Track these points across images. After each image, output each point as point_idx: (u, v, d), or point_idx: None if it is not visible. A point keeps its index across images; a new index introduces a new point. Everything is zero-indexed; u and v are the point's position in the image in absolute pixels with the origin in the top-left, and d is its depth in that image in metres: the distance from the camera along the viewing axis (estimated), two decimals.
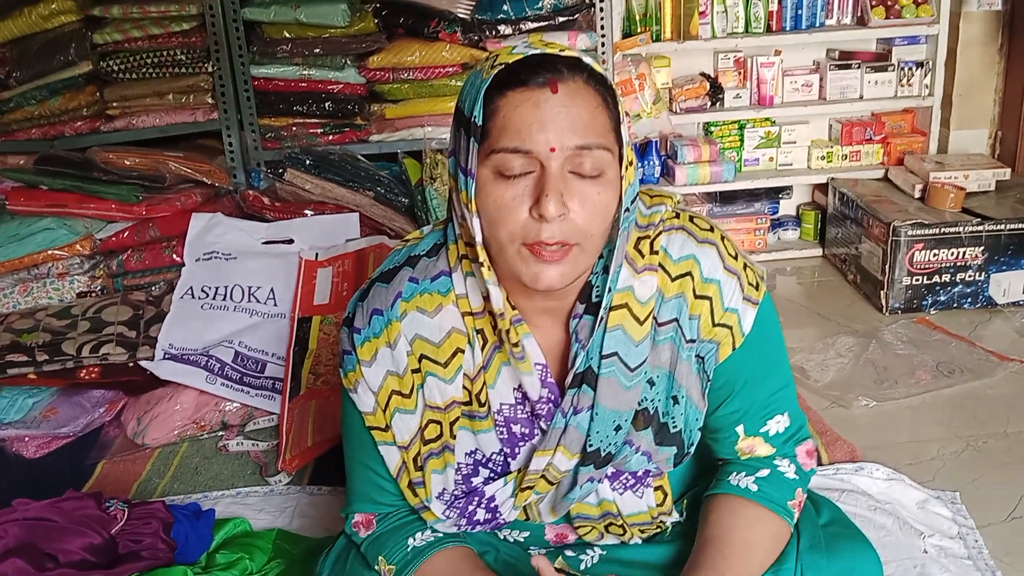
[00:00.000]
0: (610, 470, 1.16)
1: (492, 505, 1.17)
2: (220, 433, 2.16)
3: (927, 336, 2.57)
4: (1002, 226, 2.67)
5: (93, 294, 2.55)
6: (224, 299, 2.35)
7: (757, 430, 1.18)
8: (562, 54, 1.01)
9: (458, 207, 1.09)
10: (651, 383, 1.12)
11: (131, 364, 2.22)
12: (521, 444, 1.15)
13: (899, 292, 2.74)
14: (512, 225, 1.01)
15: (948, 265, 2.70)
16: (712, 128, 3.25)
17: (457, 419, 1.15)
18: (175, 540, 1.56)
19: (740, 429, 1.17)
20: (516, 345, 1.10)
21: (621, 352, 1.09)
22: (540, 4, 2.85)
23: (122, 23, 2.76)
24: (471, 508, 1.17)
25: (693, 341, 1.11)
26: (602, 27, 2.92)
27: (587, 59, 1.03)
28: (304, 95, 2.87)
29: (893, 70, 3.18)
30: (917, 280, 2.72)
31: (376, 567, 1.19)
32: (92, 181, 2.57)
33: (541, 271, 1.01)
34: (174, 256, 2.51)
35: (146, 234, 2.55)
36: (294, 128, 2.92)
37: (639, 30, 3.08)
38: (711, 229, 1.14)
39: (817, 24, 3.16)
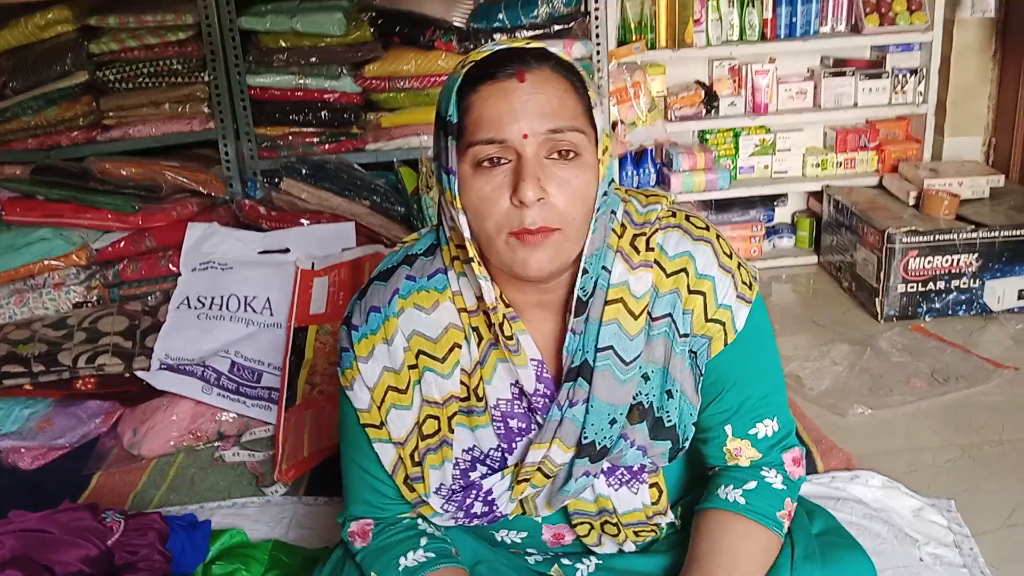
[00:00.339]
0: (606, 465, 1.16)
1: (490, 499, 1.17)
2: (216, 443, 2.16)
3: (922, 343, 2.58)
4: (996, 233, 2.68)
5: (89, 304, 2.55)
6: (220, 309, 2.35)
7: (745, 432, 1.18)
8: (528, 46, 1.06)
9: (446, 208, 1.11)
10: (646, 378, 1.13)
11: (127, 374, 2.22)
12: (518, 439, 1.16)
13: (894, 299, 2.74)
14: (496, 215, 1.04)
15: (943, 272, 2.71)
16: (707, 136, 3.26)
17: (455, 414, 1.16)
18: (171, 551, 1.57)
19: (728, 429, 1.18)
20: (511, 339, 1.12)
21: (616, 346, 1.10)
22: (535, 12, 2.86)
23: (118, 33, 2.76)
24: (468, 501, 1.17)
25: (687, 336, 1.13)
26: (597, 35, 2.93)
27: (553, 49, 1.07)
28: (300, 104, 2.87)
29: (887, 77, 3.19)
30: (912, 287, 2.73)
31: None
32: (88, 191, 2.58)
33: (529, 256, 1.03)
34: (170, 266, 2.51)
35: (142, 244, 2.55)
36: (290, 137, 2.92)
37: (634, 38, 3.09)
38: (706, 228, 1.16)
39: (811, 32, 3.17)
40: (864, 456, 1.98)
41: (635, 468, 1.19)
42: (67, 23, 2.75)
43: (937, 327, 2.68)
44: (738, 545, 1.13)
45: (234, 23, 2.80)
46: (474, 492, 1.17)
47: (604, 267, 1.11)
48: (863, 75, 3.19)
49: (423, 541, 1.19)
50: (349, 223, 2.56)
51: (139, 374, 2.20)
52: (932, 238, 2.68)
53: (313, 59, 2.80)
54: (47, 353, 2.22)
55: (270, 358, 2.26)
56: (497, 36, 2.82)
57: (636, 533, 1.24)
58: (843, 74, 3.19)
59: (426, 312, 1.15)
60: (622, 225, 1.14)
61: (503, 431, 1.16)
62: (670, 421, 1.14)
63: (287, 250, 2.50)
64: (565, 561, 1.28)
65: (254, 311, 2.36)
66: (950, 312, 2.75)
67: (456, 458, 1.18)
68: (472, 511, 1.18)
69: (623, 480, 1.19)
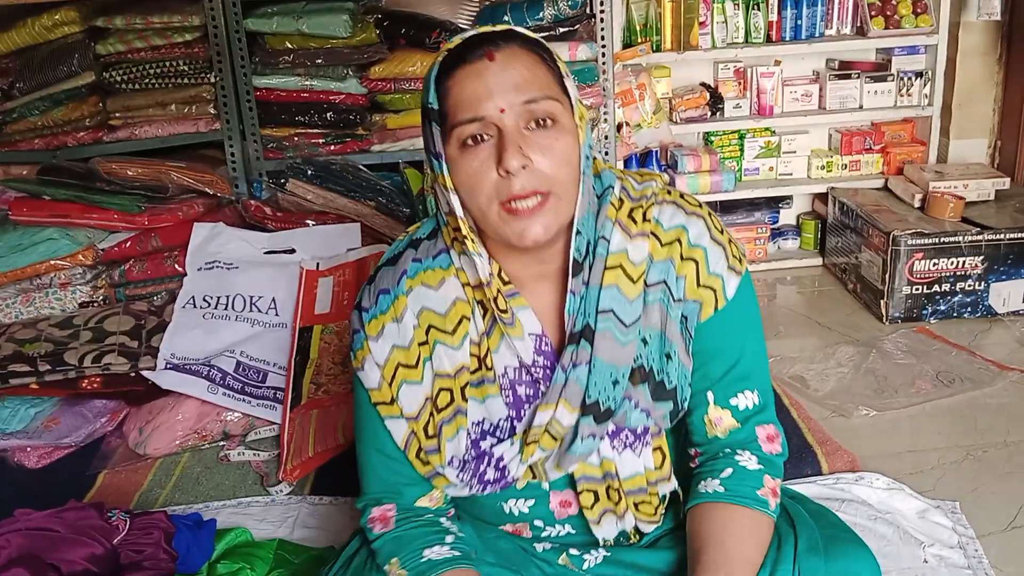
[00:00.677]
0: (611, 427, 1.20)
1: (501, 465, 1.21)
2: (221, 443, 2.17)
3: (927, 345, 2.58)
4: (1002, 235, 2.68)
5: (95, 304, 2.55)
6: (226, 309, 2.36)
7: (727, 401, 1.21)
8: (496, 29, 1.12)
9: (440, 193, 1.16)
10: (644, 342, 1.18)
11: (133, 374, 2.22)
12: (526, 406, 1.20)
13: (899, 301, 2.74)
14: (486, 188, 1.09)
15: (948, 274, 2.71)
16: (712, 138, 3.26)
17: (467, 385, 1.20)
18: (176, 550, 1.57)
19: (710, 397, 1.21)
20: (505, 311, 1.17)
21: (616, 309, 1.15)
22: (541, 15, 2.86)
23: (125, 34, 2.77)
24: (482, 468, 1.21)
25: (680, 300, 1.18)
26: (602, 37, 2.93)
27: (519, 28, 1.14)
28: (306, 105, 2.88)
29: (893, 80, 3.19)
30: (917, 289, 2.73)
31: (387, 567, 1.20)
32: (95, 191, 2.58)
33: (525, 227, 1.09)
34: (176, 266, 2.51)
35: (148, 244, 2.56)
36: (296, 138, 2.93)
37: (639, 41, 3.09)
38: (699, 205, 1.22)
39: (817, 34, 3.18)
40: (869, 458, 1.98)
41: (639, 431, 1.22)
42: (74, 24, 2.76)
43: (942, 329, 2.68)
44: (724, 533, 1.15)
45: (240, 25, 2.81)
46: (486, 459, 1.21)
47: (603, 236, 1.17)
48: (868, 78, 3.19)
49: (448, 539, 1.21)
50: (354, 224, 2.56)
51: (145, 374, 2.21)
52: (937, 240, 2.68)
53: (319, 60, 2.81)
54: (53, 352, 2.22)
55: (275, 358, 2.27)
56: None
57: (636, 506, 1.25)
58: (848, 76, 3.20)
59: (433, 289, 1.20)
60: (620, 199, 1.20)
61: (511, 399, 1.20)
62: (671, 383, 1.19)
63: (292, 250, 2.50)
64: (573, 551, 1.29)
65: (259, 311, 2.36)
66: (955, 314, 2.75)
67: (468, 431, 1.21)
68: (485, 477, 1.21)
69: (627, 443, 1.22)
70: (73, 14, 2.75)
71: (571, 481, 1.25)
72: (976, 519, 1.76)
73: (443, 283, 1.19)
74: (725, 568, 1.12)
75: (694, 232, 1.18)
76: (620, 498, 1.24)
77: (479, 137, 1.09)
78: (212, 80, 2.85)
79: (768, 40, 3.17)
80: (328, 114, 2.87)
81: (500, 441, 1.21)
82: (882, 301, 2.77)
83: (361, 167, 2.78)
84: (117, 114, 2.86)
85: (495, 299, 1.16)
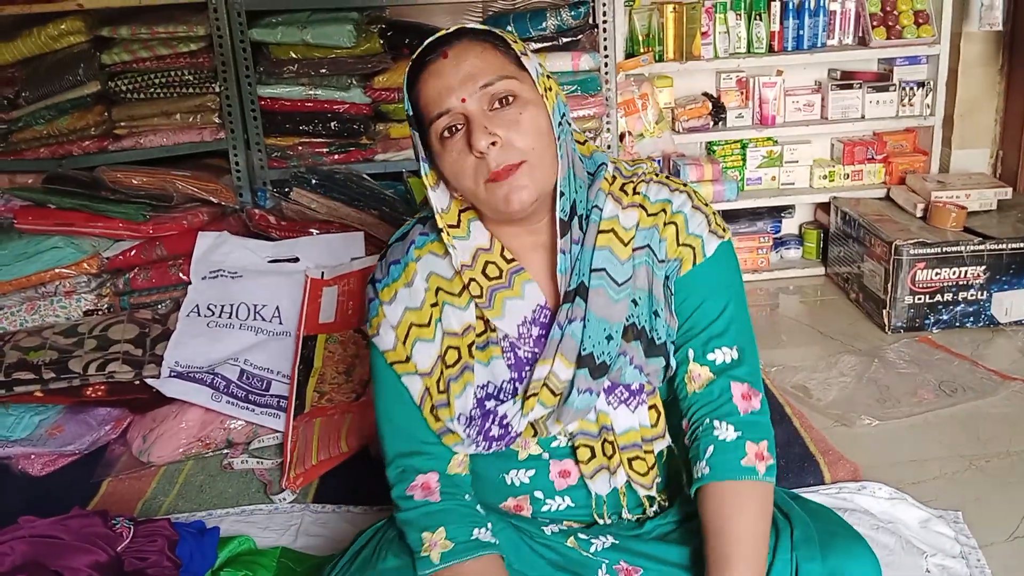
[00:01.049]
0: (607, 383, 1.26)
1: (504, 422, 1.27)
2: (225, 451, 2.17)
3: (929, 355, 2.58)
4: (1004, 245, 2.69)
5: (100, 312, 2.56)
6: (230, 317, 2.37)
7: (704, 356, 1.26)
8: (449, 30, 1.23)
9: (427, 193, 1.27)
10: (635, 303, 1.26)
11: (137, 382, 2.23)
12: (527, 368, 1.27)
13: (901, 311, 2.74)
14: (468, 171, 1.20)
15: (950, 284, 2.71)
16: (714, 147, 3.27)
17: (473, 344, 1.28)
18: (180, 558, 1.57)
19: (691, 353, 1.26)
20: (500, 277, 1.27)
21: (608, 268, 1.24)
22: (544, 25, 2.88)
23: (130, 43, 2.79)
24: (487, 426, 1.28)
25: (664, 261, 1.26)
26: (605, 48, 2.95)
27: (469, 24, 1.24)
28: (310, 115, 2.90)
29: (894, 90, 3.20)
30: (919, 299, 2.73)
31: (429, 534, 1.23)
32: (100, 200, 2.59)
33: (509, 191, 1.18)
34: (180, 274, 2.52)
35: (153, 252, 2.57)
36: (300, 147, 2.94)
37: (642, 51, 3.10)
38: (684, 185, 1.32)
39: (819, 44, 3.19)
40: (871, 467, 1.98)
41: (634, 387, 1.28)
42: (80, 34, 2.78)
43: (944, 339, 2.68)
44: (721, 519, 1.18)
45: (245, 35, 2.83)
46: (491, 418, 1.28)
47: (596, 205, 1.26)
48: (870, 87, 3.20)
49: (490, 525, 1.27)
50: (358, 233, 2.57)
51: (149, 381, 2.21)
52: (939, 250, 2.69)
53: (323, 70, 2.82)
54: (58, 360, 2.23)
55: (279, 366, 2.27)
56: None
57: (631, 462, 1.29)
58: (850, 86, 3.20)
59: (440, 257, 1.30)
60: (612, 176, 1.30)
61: (514, 361, 1.28)
62: (660, 339, 1.26)
63: (297, 259, 2.51)
64: (582, 536, 1.32)
65: (264, 320, 2.37)
66: (957, 324, 2.75)
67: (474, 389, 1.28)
68: (490, 434, 1.28)
69: (622, 398, 1.28)
70: (79, 24, 2.77)
71: (571, 452, 1.30)
72: (978, 529, 1.76)
73: (448, 254, 1.28)
74: (731, 560, 1.15)
75: (677, 203, 1.28)
76: (614, 452, 1.29)
77: (453, 128, 1.20)
78: (217, 89, 2.87)
79: (770, 50, 3.18)
80: (332, 123, 2.89)
81: (503, 402, 1.28)
82: (884, 311, 2.77)
83: (365, 176, 2.80)
84: (122, 123, 2.88)
85: (484, 269, 1.27)
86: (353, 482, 1.98)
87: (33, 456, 2.16)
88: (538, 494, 1.33)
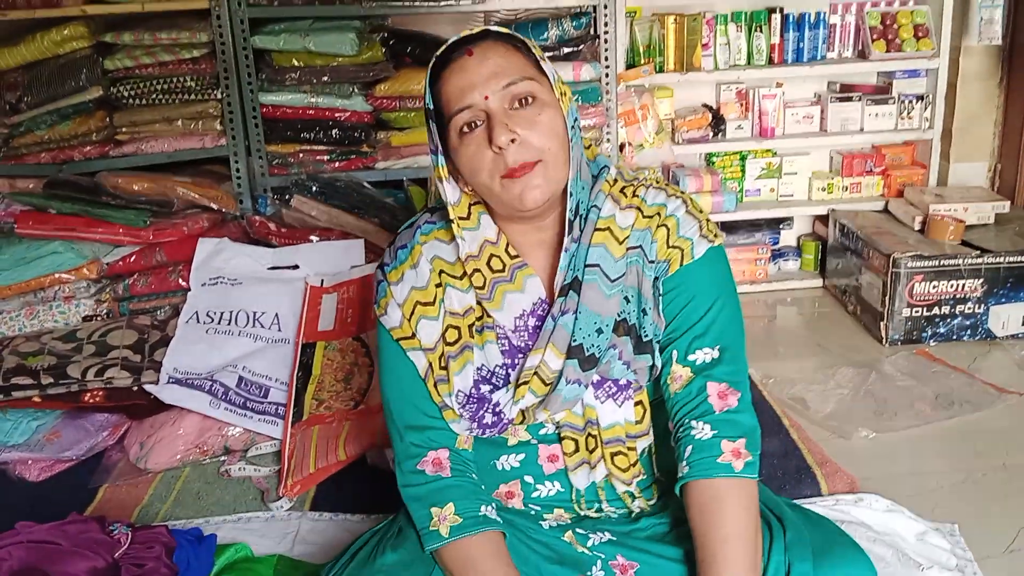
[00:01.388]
0: (596, 377, 1.30)
1: (497, 410, 1.32)
2: (222, 458, 2.17)
3: (927, 368, 2.58)
4: (1001, 259, 2.69)
5: (99, 318, 2.56)
6: (229, 324, 2.37)
7: (686, 357, 1.29)
8: (473, 31, 1.26)
9: (438, 183, 1.30)
10: (627, 300, 1.30)
11: (135, 388, 2.23)
12: (520, 356, 1.32)
13: (899, 324, 2.75)
14: (486, 166, 1.23)
15: (948, 297, 2.72)
16: (714, 158, 3.28)
17: (474, 324, 1.33)
18: (177, 565, 1.57)
19: (674, 355, 1.29)
20: (502, 270, 1.31)
21: (603, 265, 1.28)
22: (546, 35, 2.89)
23: (133, 50, 2.80)
24: (480, 412, 1.32)
25: (654, 262, 1.30)
26: (606, 58, 2.96)
27: (493, 28, 1.27)
28: (311, 122, 2.90)
29: (893, 103, 3.21)
30: (917, 312, 2.74)
31: (438, 509, 1.28)
32: (100, 205, 2.60)
33: (524, 189, 1.22)
34: (180, 281, 2.53)
35: (153, 259, 2.57)
36: (301, 155, 2.95)
37: (643, 61, 3.12)
38: (682, 193, 1.36)
39: (818, 57, 3.21)
40: (868, 479, 1.98)
41: (622, 383, 1.32)
42: (83, 39, 2.79)
43: (942, 352, 2.69)
44: (704, 512, 1.21)
45: (248, 42, 2.84)
46: (485, 404, 1.32)
47: (595, 205, 1.30)
48: (869, 100, 3.21)
49: (495, 506, 1.32)
50: (358, 240, 2.57)
51: (147, 387, 2.22)
52: (937, 263, 2.69)
53: (325, 78, 2.83)
54: (56, 366, 2.23)
55: (278, 373, 2.27)
56: None
57: (612, 457, 1.33)
58: (849, 99, 3.22)
59: (445, 243, 1.35)
60: (614, 180, 1.35)
61: (508, 348, 1.32)
62: (647, 336, 1.30)
63: (296, 266, 2.52)
64: (579, 530, 1.35)
65: (263, 327, 2.37)
66: (955, 337, 2.76)
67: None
68: (483, 421, 1.33)
69: (610, 393, 1.32)
70: (82, 29, 2.78)
71: (559, 438, 1.35)
72: (975, 542, 1.77)
73: (454, 241, 1.33)
74: (717, 561, 1.17)
75: (672, 207, 1.32)
76: (597, 445, 1.32)
77: (473, 124, 1.23)
78: (219, 96, 2.88)
79: (770, 62, 3.19)
80: (333, 131, 2.90)
81: (496, 389, 1.32)
82: (882, 323, 2.78)
83: (365, 184, 2.80)
84: (124, 129, 2.88)
85: (489, 261, 1.31)
86: (350, 490, 1.99)
87: (30, 461, 2.16)
88: (528, 479, 1.37)
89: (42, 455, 2.16)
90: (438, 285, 1.34)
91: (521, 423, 1.34)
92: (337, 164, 2.95)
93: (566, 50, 2.93)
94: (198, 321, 2.38)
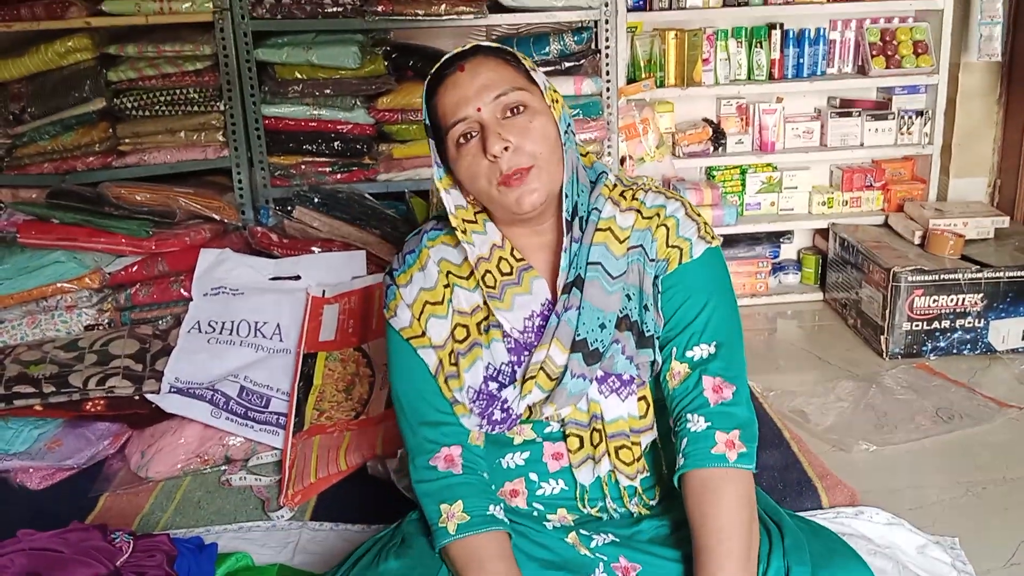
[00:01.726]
0: (599, 372, 1.33)
1: (506, 407, 1.35)
2: (223, 467, 2.17)
3: (927, 381, 2.59)
4: (1001, 273, 2.70)
5: (100, 327, 2.56)
6: (231, 334, 2.37)
7: (683, 354, 1.32)
8: (465, 48, 1.33)
9: (440, 194, 1.36)
10: (628, 297, 1.34)
11: (137, 397, 2.23)
12: (526, 352, 1.35)
13: (899, 337, 2.76)
14: (482, 173, 1.29)
15: (948, 311, 2.73)
16: (714, 173, 3.29)
17: (480, 323, 1.37)
18: (178, 573, 1.57)
19: (673, 352, 1.33)
20: (510, 273, 1.36)
21: (604, 263, 1.33)
22: (547, 50, 2.91)
23: (137, 61, 2.81)
24: (490, 410, 1.36)
25: (654, 260, 1.34)
26: (607, 73, 2.97)
27: (483, 44, 1.34)
28: (314, 134, 2.92)
29: (893, 118, 3.23)
30: (917, 326, 2.74)
31: (447, 505, 1.30)
32: (103, 215, 2.60)
33: (521, 193, 1.27)
34: (182, 291, 2.53)
35: (155, 268, 2.58)
36: (303, 166, 2.96)
37: (643, 76, 3.13)
38: (680, 196, 1.41)
39: (818, 72, 3.23)
40: (868, 492, 1.98)
41: (625, 378, 1.35)
42: (87, 51, 2.80)
43: (942, 366, 2.69)
44: (699, 503, 1.24)
45: (251, 54, 2.85)
46: (494, 402, 1.36)
47: (595, 208, 1.35)
48: (869, 116, 3.23)
49: (502, 505, 1.34)
50: (360, 251, 2.58)
51: (149, 397, 2.22)
52: (937, 277, 2.70)
53: (327, 91, 2.85)
54: (58, 374, 2.24)
55: (279, 383, 2.28)
56: None
57: (617, 451, 1.35)
58: (849, 114, 3.23)
59: (452, 247, 1.41)
60: (614, 184, 1.39)
61: (513, 345, 1.36)
62: (649, 332, 1.33)
63: (298, 277, 2.52)
64: (583, 532, 1.36)
65: (264, 337, 2.37)
66: (955, 351, 2.76)
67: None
68: (493, 418, 1.36)
69: (614, 388, 1.35)
70: (86, 41, 2.79)
71: (563, 437, 1.38)
72: (975, 555, 1.77)
73: (459, 245, 1.39)
74: (714, 554, 1.19)
75: (671, 209, 1.37)
76: (601, 440, 1.35)
77: (468, 135, 1.29)
78: (221, 108, 2.89)
79: (770, 77, 3.21)
80: (335, 143, 2.91)
81: (504, 387, 1.35)
82: (882, 337, 2.78)
83: (367, 196, 2.81)
84: (127, 140, 2.90)
85: (498, 264, 1.36)
86: (351, 500, 1.98)
87: (32, 470, 2.16)
88: (532, 476, 1.39)
89: (43, 463, 2.16)
90: (446, 285, 1.39)
91: (528, 420, 1.36)
92: (339, 176, 2.96)
93: (567, 64, 2.94)
94: (200, 331, 2.38)
